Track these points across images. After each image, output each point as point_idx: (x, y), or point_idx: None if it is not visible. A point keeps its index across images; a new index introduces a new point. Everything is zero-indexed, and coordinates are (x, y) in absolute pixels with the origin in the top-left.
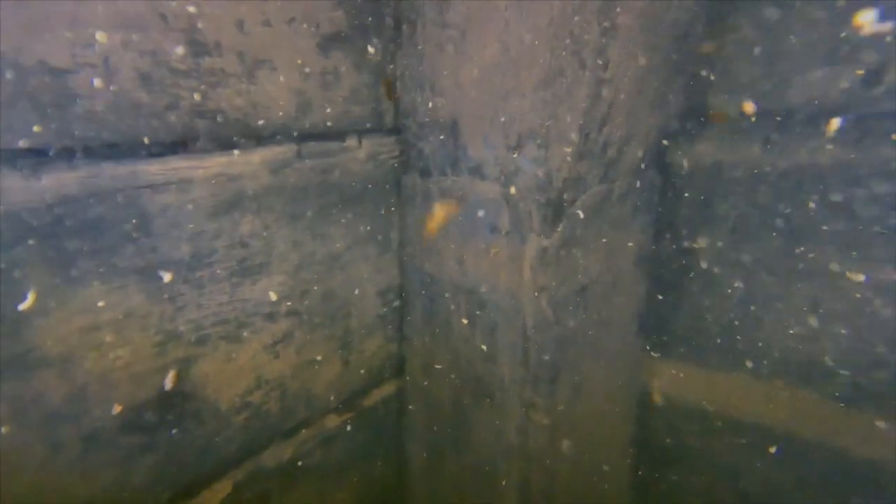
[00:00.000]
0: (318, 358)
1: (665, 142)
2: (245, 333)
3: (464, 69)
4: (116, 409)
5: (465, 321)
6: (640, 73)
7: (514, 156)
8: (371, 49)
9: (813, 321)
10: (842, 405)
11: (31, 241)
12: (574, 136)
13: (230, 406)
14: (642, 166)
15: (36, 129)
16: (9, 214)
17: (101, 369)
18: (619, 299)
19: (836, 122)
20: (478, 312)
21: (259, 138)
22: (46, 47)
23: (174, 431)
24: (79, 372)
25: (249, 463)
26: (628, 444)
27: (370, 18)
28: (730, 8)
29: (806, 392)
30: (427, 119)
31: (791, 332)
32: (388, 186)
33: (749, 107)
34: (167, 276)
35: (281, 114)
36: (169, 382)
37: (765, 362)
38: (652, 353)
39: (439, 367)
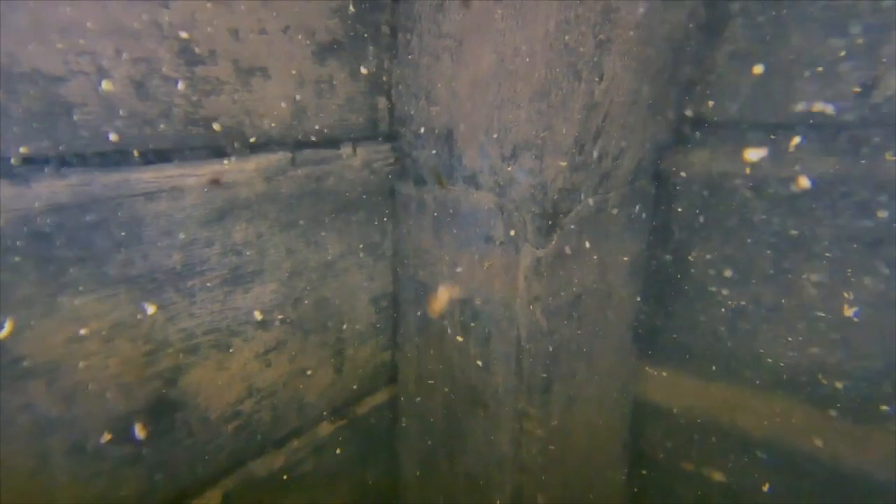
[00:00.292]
0: (311, 366)
1: (659, 153)
2: (237, 342)
3: (459, 79)
4: (104, 419)
5: (459, 330)
6: (634, 85)
7: (509, 166)
8: (367, 57)
9: (805, 332)
10: (834, 417)
11: (20, 250)
12: (569, 147)
13: (220, 415)
14: (636, 177)
15: (28, 136)
16: (1, 222)
17: (90, 379)
18: (612, 309)
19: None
20: (472, 322)
21: (253, 146)
22: (39, 55)
23: (163, 441)
24: (67, 382)
25: (240, 472)
26: (621, 454)
27: (366, 27)
28: (724, 20)
29: (798, 403)
30: (422, 128)
31: (783, 342)
32: (382, 194)
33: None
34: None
35: (275, 121)
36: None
37: (758, 373)
38: (645, 363)
39: (433, 375)
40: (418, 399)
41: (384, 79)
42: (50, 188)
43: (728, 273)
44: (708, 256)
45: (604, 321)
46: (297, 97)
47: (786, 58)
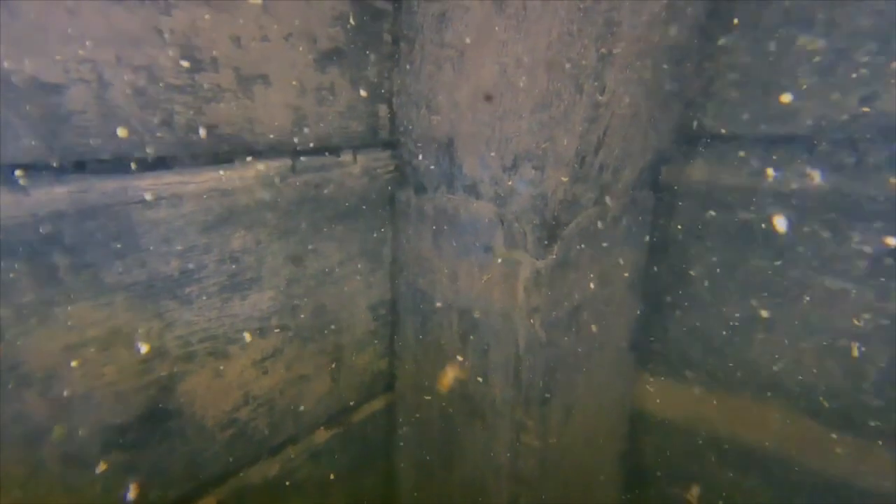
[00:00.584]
0: (308, 373)
1: (659, 165)
2: (234, 349)
3: (461, 88)
4: (100, 427)
5: (457, 339)
6: (635, 98)
7: (510, 177)
8: (368, 65)
9: (804, 344)
10: (833, 430)
11: (18, 257)
12: (570, 159)
13: (216, 423)
14: (637, 189)
15: (27, 144)
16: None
17: (85, 388)
18: (611, 320)
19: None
20: (470, 331)
21: (253, 153)
22: (39, 62)
23: (158, 449)
24: (62, 390)
25: (235, 480)
26: (618, 464)
27: (368, 35)
28: (724, 33)
29: (796, 415)
30: (423, 136)
31: (782, 354)
32: (382, 201)
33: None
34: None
35: (276, 129)
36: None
37: (756, 384)
38: (643, 373)
39: (430, 384)
40: (415, 407)
41: (385, 87)
42: (49, 195)
43: (727, 285)
44: (707, 268)
45: (602, 332)
46: (298, 104)
47: (786, 70)
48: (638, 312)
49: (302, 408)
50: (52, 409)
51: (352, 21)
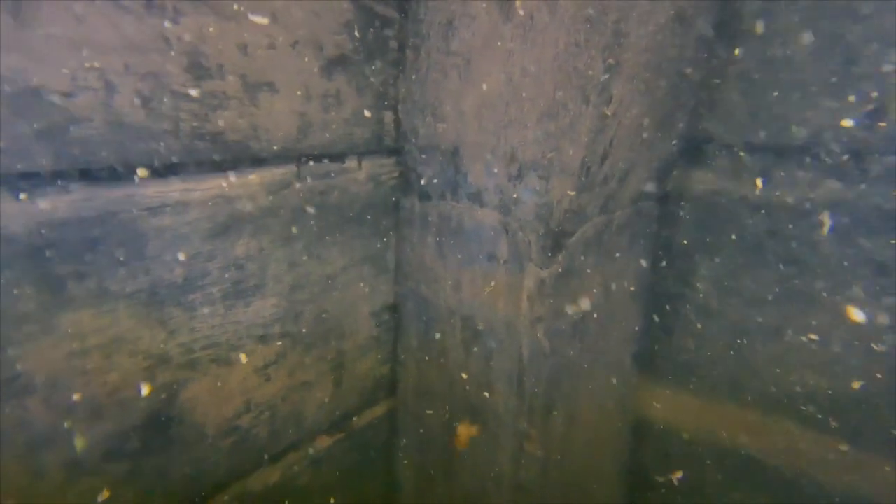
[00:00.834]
0: (310, 380)
1: (664, 175)
2: (236, 356)
3: (467, 96)
4: (101, 435)
5: (460, 347)
6: (642, 108)
7: (515, 185)
8: (374, 72)
9: (807, 354)
10: (840, 443)
11: (22, 265)
12: (576, 169)
13: (218, 430)
14: (641, 199)
15: (33, 152)
16: (3, 238)
17: (88, 395)
18: (615, 329)
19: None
20: (473, 340)
21: (258, 160)
22: (46, 71)
23: (160, 456)
24: (64, 398)
25: (236, 486)
26: (620, 473)
27: (374, 43)
28: (731, 43)
29: (799, 426)
30: (428, 144)
31: (785, 363)
32: (386, 208)
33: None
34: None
35: (281, 136)
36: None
37: (758, 393)
38: (646, 383)
39: (432, 391)
40: (417, 414)
41: (391, 94)
42: (54, 203)
43: (731, 294)
44: (711, 278)
45: (606, 341)
46: (304, 111)
47: (793, 80)
48: (642, 322)
49: (304, 414)
50: (54, 416)
51: (358, 29)
